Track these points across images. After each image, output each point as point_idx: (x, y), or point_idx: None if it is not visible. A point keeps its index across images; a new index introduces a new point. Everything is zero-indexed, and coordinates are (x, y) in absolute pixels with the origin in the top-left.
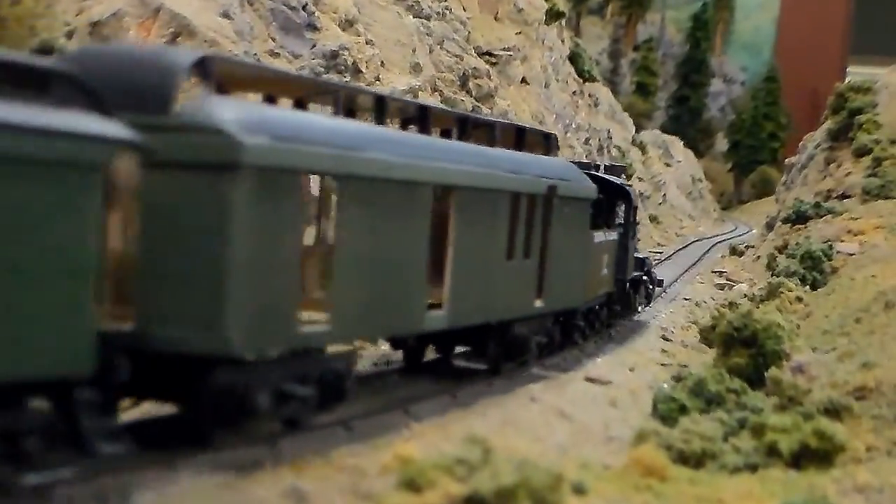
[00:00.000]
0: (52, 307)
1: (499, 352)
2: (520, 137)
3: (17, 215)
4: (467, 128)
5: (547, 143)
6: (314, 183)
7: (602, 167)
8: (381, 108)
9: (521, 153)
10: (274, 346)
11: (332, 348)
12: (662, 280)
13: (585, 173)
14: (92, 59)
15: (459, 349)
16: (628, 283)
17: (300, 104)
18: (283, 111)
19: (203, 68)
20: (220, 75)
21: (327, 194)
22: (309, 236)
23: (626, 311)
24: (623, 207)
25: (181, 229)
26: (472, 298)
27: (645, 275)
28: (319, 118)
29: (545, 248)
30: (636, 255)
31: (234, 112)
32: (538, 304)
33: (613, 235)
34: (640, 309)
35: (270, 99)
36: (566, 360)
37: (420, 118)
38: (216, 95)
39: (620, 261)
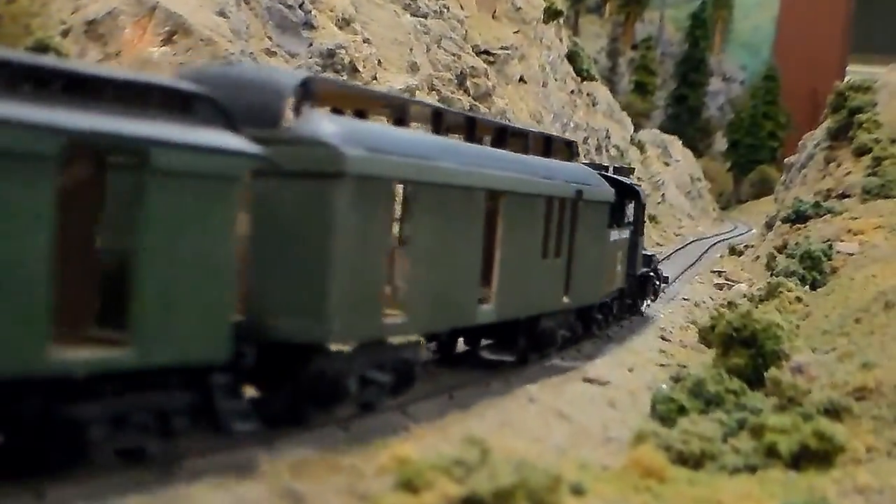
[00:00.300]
0: (201, 301)
1: (527, 344)
2: (547, 145)
3: (179, 221)
4: (506, 137)
5: (570, 150)
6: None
7: (611, 168)
8: (438, 120)
9: (552, 160)
10: (363, 336)
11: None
12: (668, 276)
13: (599, 174)
14: (207, 78)
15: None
16: (638, 279)
17: (361, 115)
18: (372, 125)
19: (306, 88)
20: (317, 93)
21: (404, 199)
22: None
23: (635, 305)
24: (632, 206)
25: (289, 231)
26: (514, 294)
27: (652, 271)
28: (399, 131)
29: (572, 248)
30: (644, 252)
31: (336, 127)
32: (566, 300)
33: (625, 233)
34: (648, 304)
35: (359, 113)
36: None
37: (468, 127)
38: (318, 112)
39: (631, 257)
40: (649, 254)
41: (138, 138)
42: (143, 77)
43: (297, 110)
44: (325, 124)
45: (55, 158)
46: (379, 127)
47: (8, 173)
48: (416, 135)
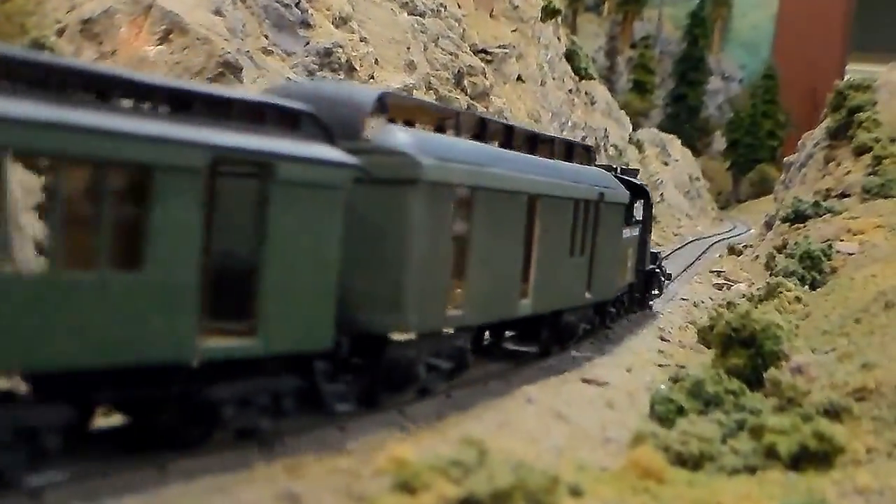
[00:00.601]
0: (311, 297)
1: (550, 337)
2: (570, 150)
3: (295, 227)
4: (536, 143)
5: (588, 155)
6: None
7: (619, 169)
8: (482, 128)
9: (578, 165)
10: (432, 327)
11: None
12: (671, 273)
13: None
14: (295, 95)
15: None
16: (645, 275)
17: (409, 123)
18: (436, 135)
19: (381, 103)
20: (389, 107)
21: (463, 203)
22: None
23: (643, 299)
24: (641, 206)
25: (371, 233)
26: (547, 290)
27: (657, 267)
28: (459, 141)
29: (594, 247)
30: (650, 249)
31: (410, 138)
32: (588, 295)
33: (636, 231)
34: (653, 299)
35: (409, 123)
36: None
37: (506, 135)
38: (393, 125)
39: (640, 254)
40: (655, 251)
41: (266, 153)
42: (260, 97)
43: (374, 123)
44: (401, 136)
45: (204, 172)
46: (443, 137)
47: (170, 186)
48: (471, 144)
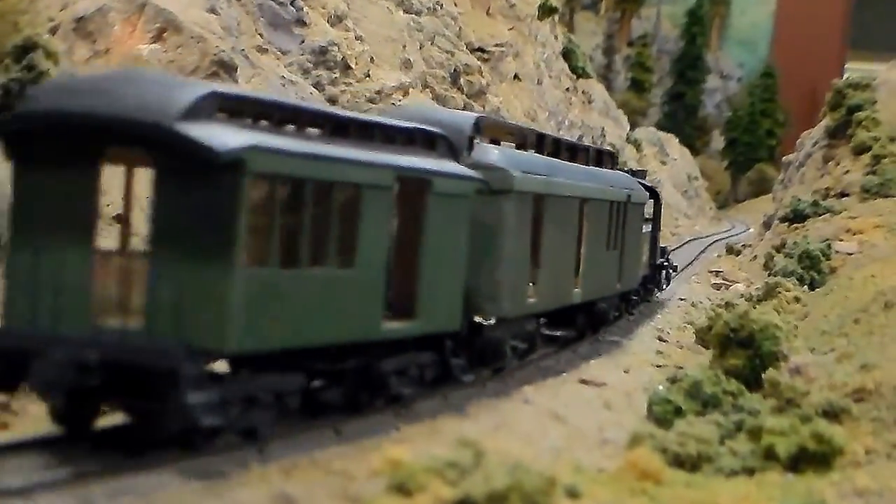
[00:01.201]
0: (449, 286)
1: (585, 323)
2: (600, 157)
3: (442, 229)
4: (577, 152)
5: (613, 160)
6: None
7: (629, 171)
8: (541, 142)
9: (611, 171)
10: (518, 313)
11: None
12: (677, 265)
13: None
14: (410, 118)
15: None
16: (656, 267)
17: (494, 141)
18: (519, 152)
19: (477, 125)
20: (482, 128)
21: (537, 208)
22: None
23: (653, 289)
24: (653, 204)
25: (475, 235)
26: (591, 280)
27: (665, 261)
28: (533, 155)
29: (623, 242)
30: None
31: (502, 155)
32: (618, 285)
33: (649, 228)
34: (663, 288)
35: (495, 141)
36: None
37: (555, 147)
38: (486, 144)
39: (652, 249)
40: (663, 245)
41: (428, 171)
42: (408, 124)
43: (471, 143)
44: (495, 153)
45: (392, 188)
46: (522, 152)
47: (371, 201)
48: (540, 157)
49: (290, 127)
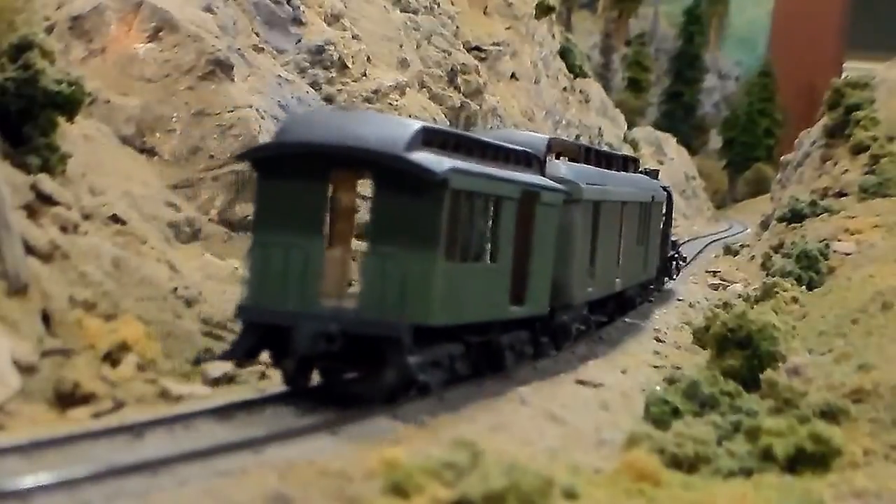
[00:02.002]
0: (545, 279)
1: (615, 308)
2: (626, 163)
3: (543, 232)
4: (612, 160)
5: (636, 165)
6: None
7: (645, 171)
8: (588, 154)
9: (638, 175)
10: (582, 300)
11: None
12: (686, 257)
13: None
14: (498, 139)
15: None
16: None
17: (559, 156)
18: (581, 165)
19: (549, 145)
20: (552, 147)
21: (594, 213)
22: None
23: (665, 279)
24: (666, 202)
25: (555, 235)
26: (627, 271)
27: (676, 253)
28: (591, 168)
29: (647, 237)
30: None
31: (571, 169)
32: (643, 275)
33: (662, 223)
34: (674, 277)
35: (559, 156)
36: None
37: (597, 157)
38: (556, 160)
39: (665, 242)
40: (674, 239)
41: (538, 185)
42: (509, 144)
43: (545, 160)
44: (565, 168)
45: (518, 199)
46: (583, 166)
47: (508, 208)
48: (595, 169)
49: (460, 151)
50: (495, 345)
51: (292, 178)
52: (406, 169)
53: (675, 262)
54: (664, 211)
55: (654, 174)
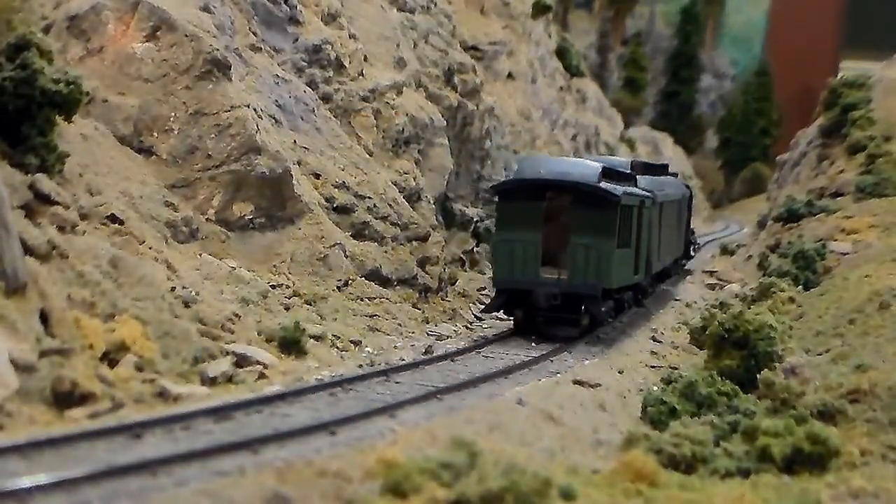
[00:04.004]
0: (644, 255)
1: (653, 280)
2: (664, 170)
3: (644, 224)
4: (653, 168)
5: (667, 169)
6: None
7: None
8: (646, 168)
9: (671, 178)
10: (655, 270)
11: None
12: (700, 242)
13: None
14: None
15: None
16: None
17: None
18: (647, 177)
19: (603, 170)
20: (604, 171)
21: (658, 212)
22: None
23: (685, 260)
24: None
25: (648, 228)
26: (671, 250)
27: (693, 239)
28: (651, 177)
29: (680, 226)
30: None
31: (647, 181)
32: (678, 254)
33: (687, 214)
34: (692, 256)
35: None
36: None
37: (645, 167)
38: (605, 180)
39: (688, 229)
40: (692, 227)
41: (644, 196)
42: (619, 164)
43: (599, 179)
44: (644, 181)
45: (639, 206)
46: (648, 177)
47: (632, 213)
48: (652, 179)
49: (614, 178)
50: (624, 299)
51: (522, 200)
52: (598, 193)
53: (693, 245)
54: (688, 203)
55: (675, 175)
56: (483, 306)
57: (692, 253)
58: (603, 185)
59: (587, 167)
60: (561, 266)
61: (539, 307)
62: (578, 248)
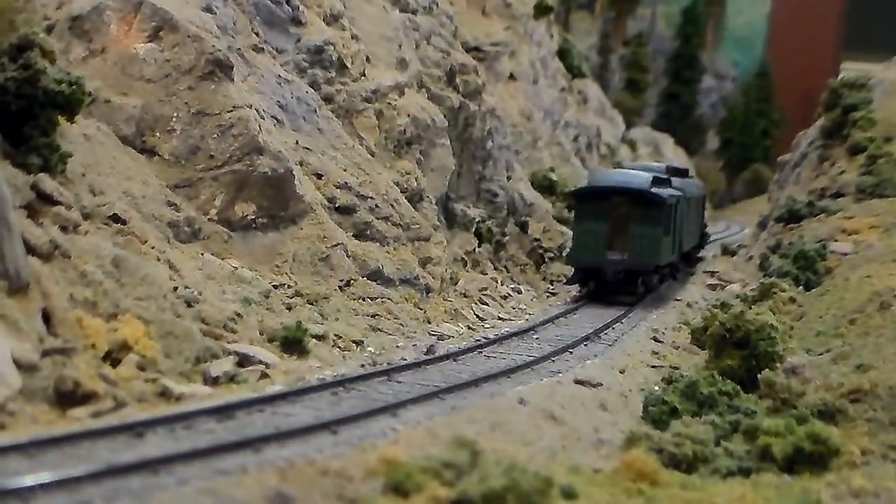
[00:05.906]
0: (678, 240)
1: (680, 261)
2: (686, 172)
3: (680, 216)
4: (681, 172)
5: (686, 172)
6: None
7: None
8: (674, 171)
9: (690, 179)
10: (675, 259)
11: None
12: (711, 234)
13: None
14: (639, 168)
15: None
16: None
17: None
18: (676, 178)
19: (653, 178)
20: (654, 179)
21: (686, 205)
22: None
23: (700, 249)
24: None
25: (681, 219)
26: (692, 237)
27: (706, 230)
28: (677, 180)
29: (698, 218)
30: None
31: (678, 182)
32: (697, 241)
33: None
34: (704, 245)
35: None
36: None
37: (678, 172)
38: (656, 186)
39: (702, 221)
40: (704, 221)
41: (679, 195)
42: (658, 169)
43: (651, 185)
44: (676, 182)
45: (676, 203)
46: (677, 179)
47: (673, 209)
48: (679, 180)
49: (662, 184)
50: (665, 273)
51: (593, 201)
52: (650, 196)
53: (706, 237)
54: (702, 200)
55: (683, 171)
56: (550, 285)
57: (705, 244)
58: (653, 189)
59: (641, 177)
60: (622, 249)
61: (606, 280)
62: (636, 237)
